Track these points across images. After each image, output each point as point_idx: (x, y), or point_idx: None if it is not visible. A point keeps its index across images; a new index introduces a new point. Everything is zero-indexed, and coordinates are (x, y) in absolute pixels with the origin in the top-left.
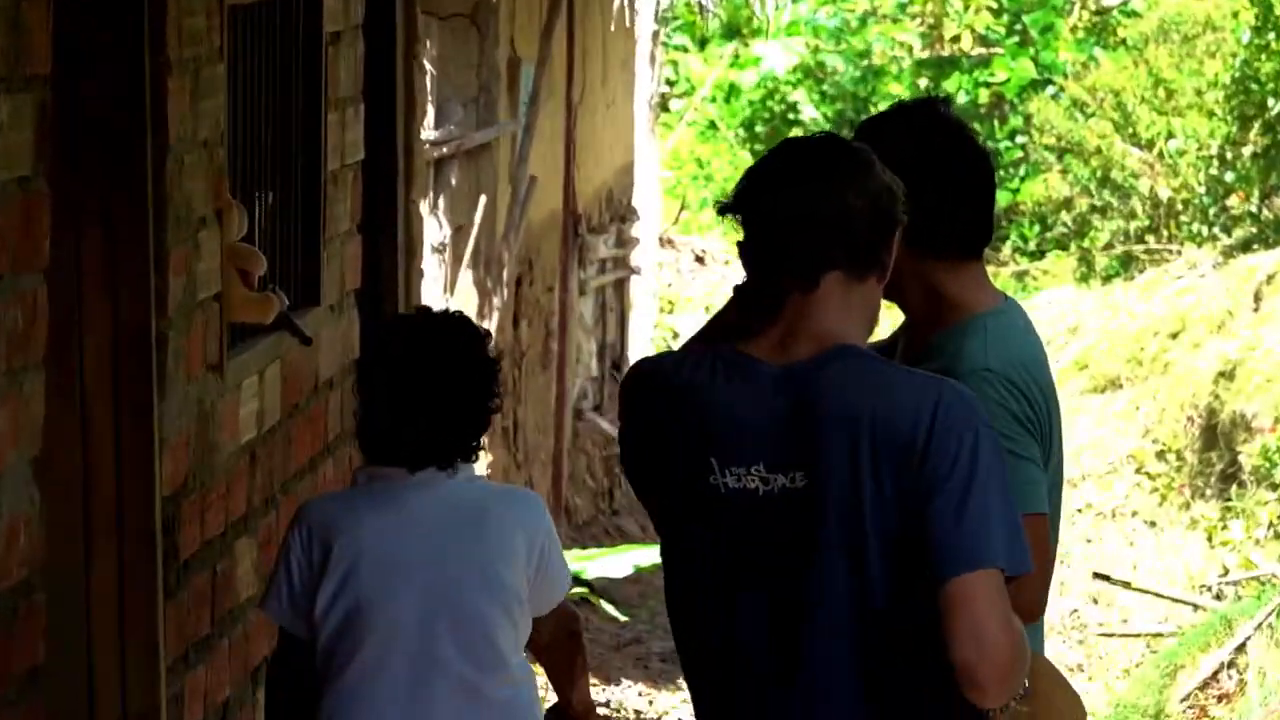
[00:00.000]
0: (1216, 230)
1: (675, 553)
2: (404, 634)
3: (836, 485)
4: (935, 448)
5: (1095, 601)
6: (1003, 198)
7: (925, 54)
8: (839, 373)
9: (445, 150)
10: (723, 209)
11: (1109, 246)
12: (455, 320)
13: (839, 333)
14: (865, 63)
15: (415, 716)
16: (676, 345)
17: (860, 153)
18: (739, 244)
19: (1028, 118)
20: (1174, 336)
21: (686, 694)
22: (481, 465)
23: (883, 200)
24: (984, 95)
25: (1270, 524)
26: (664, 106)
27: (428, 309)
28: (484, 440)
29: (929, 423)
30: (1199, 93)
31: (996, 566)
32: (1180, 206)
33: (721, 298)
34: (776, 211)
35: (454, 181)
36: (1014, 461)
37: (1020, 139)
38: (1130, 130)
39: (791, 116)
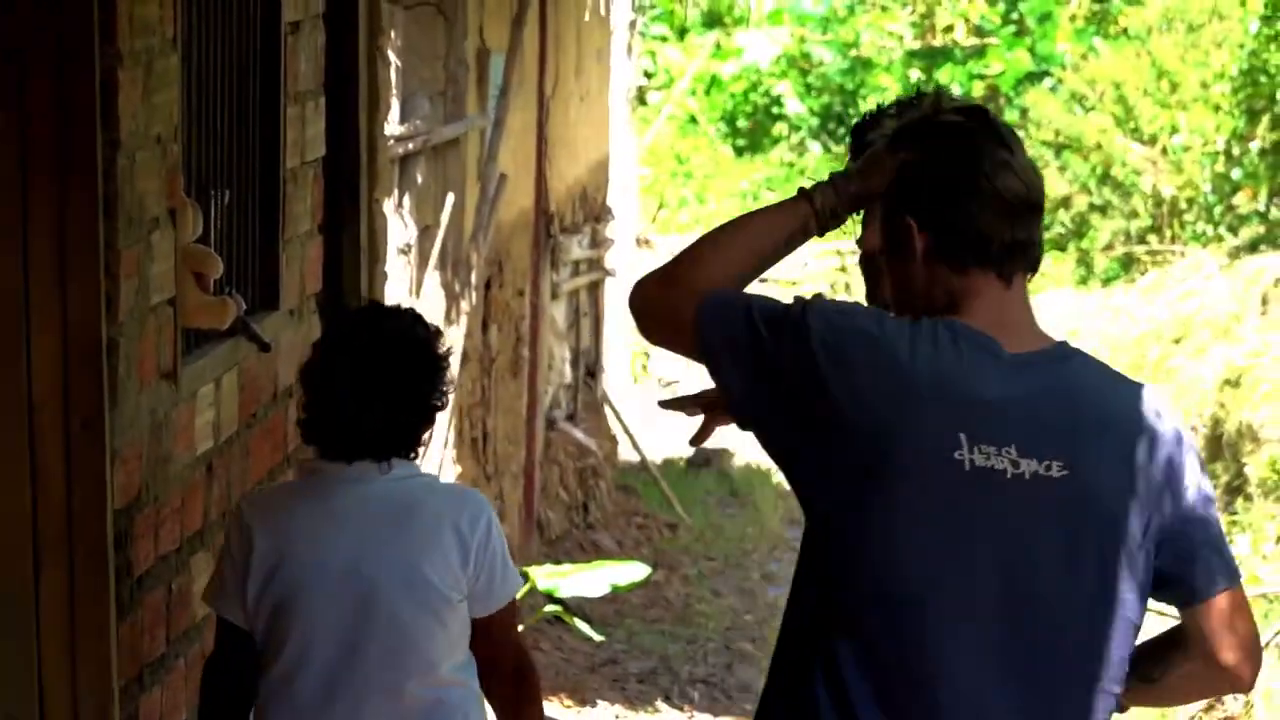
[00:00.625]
0: (1222, 230)
1: (875, 513)
2: (323, 631)
3: (1104, 480)
4: (1188, 460)
5: None
6: None
7: (917, 44)
8: (1083, 367)
9: (411, 146)
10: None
11: (1109, 247)
12: (407, 314)
13: (1042, 331)
14: (853, 54)
15: (334, 715)
16: (654, 351)
17: None
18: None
19: (1024, 111)
20: (1177, 342)
21: (664, 715)
22: (449, 476)
23: None
24: (978, 88)
25: (1278, 538)
26: (641, 99)
27: (378, 304)
28: (425, 438)
29: (1179, 433)
30: (1204, 85)
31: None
32: (1184, 205)
33: None
34: (1020, 197)
35: (420, 179)
36: None
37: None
38: (1132, 125)
39: (775, 110)
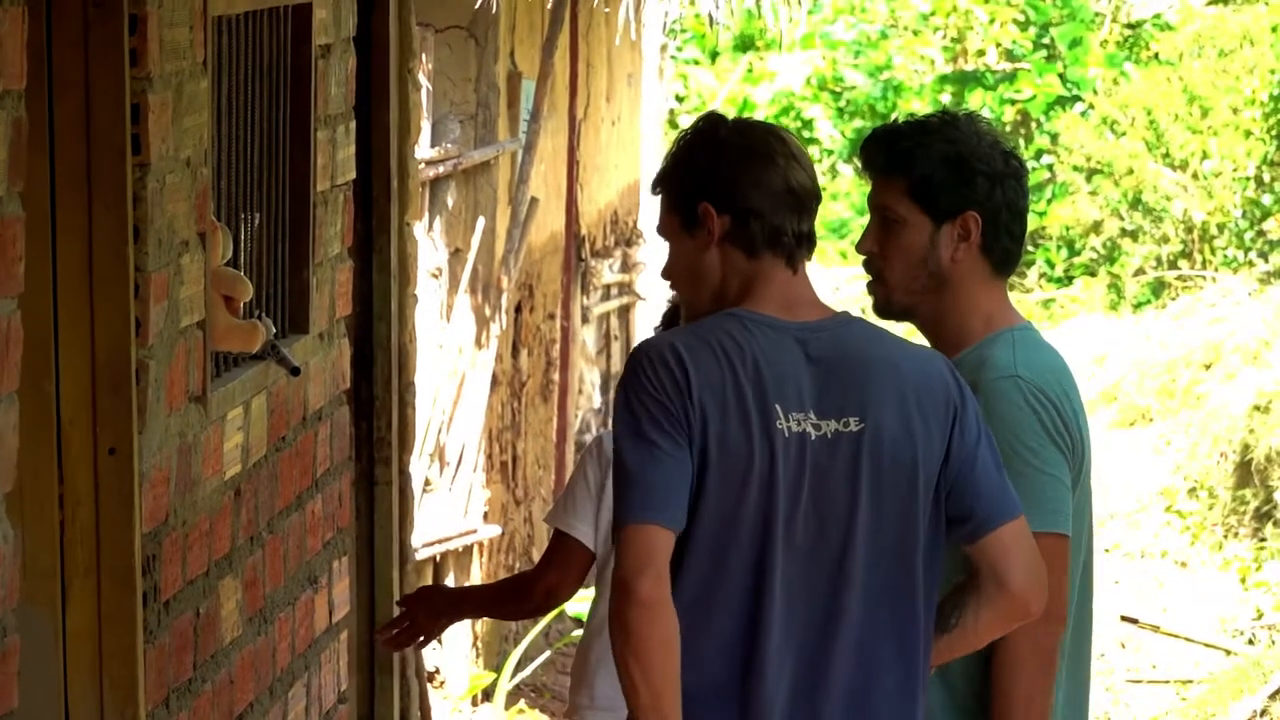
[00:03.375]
0: (1253, 255)
1: (720, 496)
2: None
3: (895, 429)
4: (967, 405)
5: (1123, 646)
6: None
7: (948, 69)
8: (863, 329)
9: (441, 170)
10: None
11: (1140, 272)
12: None
13: (824, 304)
14: (885, 77)
15: None
16: None
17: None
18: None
19: (1055, 136)
20: (1207, 368)
21: None
22: (479, 501)
23: None
24: (1009, 112)
25: None
26: (673, 123)
27: None
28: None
29: (954, 381)
30: (1235, 111)
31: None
32: (1215, 230)
33: None
34: (809, 191)
35: (450, 203)
36: (1036, 477)
37: (1047, 159)
38: (1163, 150)
39: (807, 134)
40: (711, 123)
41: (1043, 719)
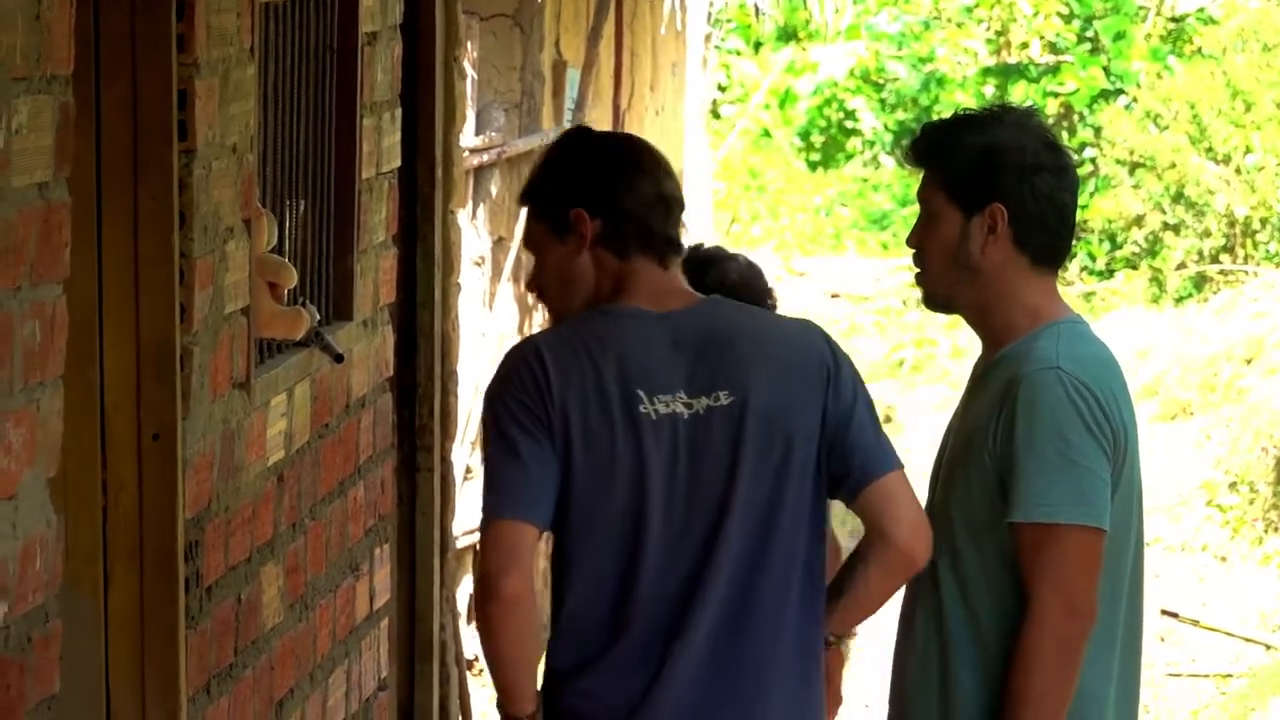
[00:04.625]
0: None
1: (590, 487)
2: None
3: (768, 397)
4: (841, 368)
5: (1162, 640)
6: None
7: (991, 61)
8: (731, 308)
9: (485, 158)
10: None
11: (1182, 266)
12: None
13: (693, 291)
14: (928, 69)
15: None
16: None
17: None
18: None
19: (1098, 129)
20: (1249, 362)
21: None
22: None
23: None
24: (1052, 105)
25: None
26: (715, 113)
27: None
28: None
29: (827, 347)
30: (1279, 105)
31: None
32: (1258, 225)
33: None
34: (676, 198)
35: (494, 191)
36: (1071, 469)
37: (1090, 152)
38: (1206, 144)
39: (850, 125)
40: (580, 135)
41: (1056, 713)
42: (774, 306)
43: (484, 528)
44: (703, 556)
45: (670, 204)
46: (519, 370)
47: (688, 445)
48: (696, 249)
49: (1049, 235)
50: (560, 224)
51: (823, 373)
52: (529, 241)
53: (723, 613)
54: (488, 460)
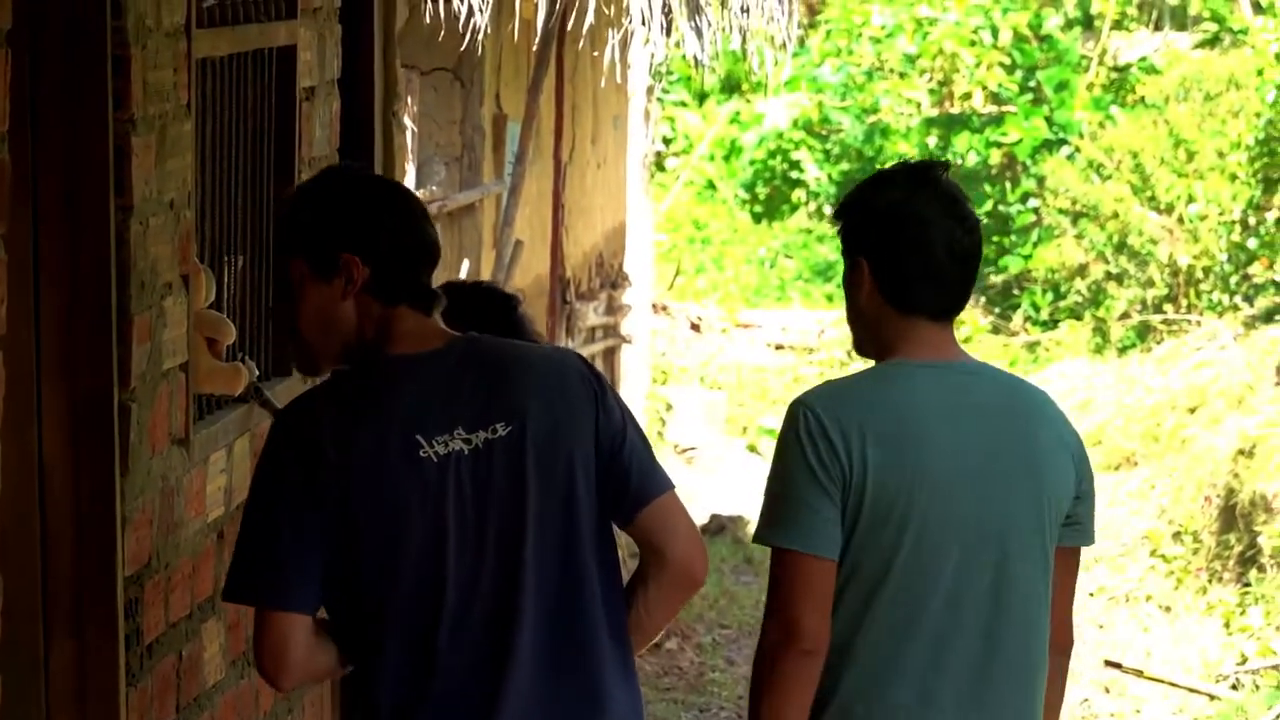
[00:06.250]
0: (1238, 300)
1: (386, 534)
2: None
3: (539, 426)
4: (606, 391)
5: (1107, 691)
6: (1014, 264)
7: (934, 111)
8: (492, 342)
9: None
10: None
11: (1125, 316)
12: (484, 290)
13: (451, 332)
14: (871, 120)
15: None
16: (670, 418)
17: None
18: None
19: (1041, 179)
20: (1192, 412)
21: None
22: None
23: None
24: (995, 155)
25: None
26: (659, 165)
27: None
28: None
29: (589, 371)
30: (1221, 154)
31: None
32: (1200, 274)
33: (716, 367)
34: (435, 244)
35: None
36: (783, 497)
37: (1033, 202)
38: (1149, 193)
39: (795, 175)
40: (344, 175)
41: None
42: (537, 336)
43: (258, 616)
44: (508, 584)
45: (432, 252)
46: (292, 439)
47: (473, 480)
48: (462, 285)
49: (907, 282)
50: (326, 266)
51: (589, 395)
52: (283, 280)
53: (544, 627)
54: (244, 538)
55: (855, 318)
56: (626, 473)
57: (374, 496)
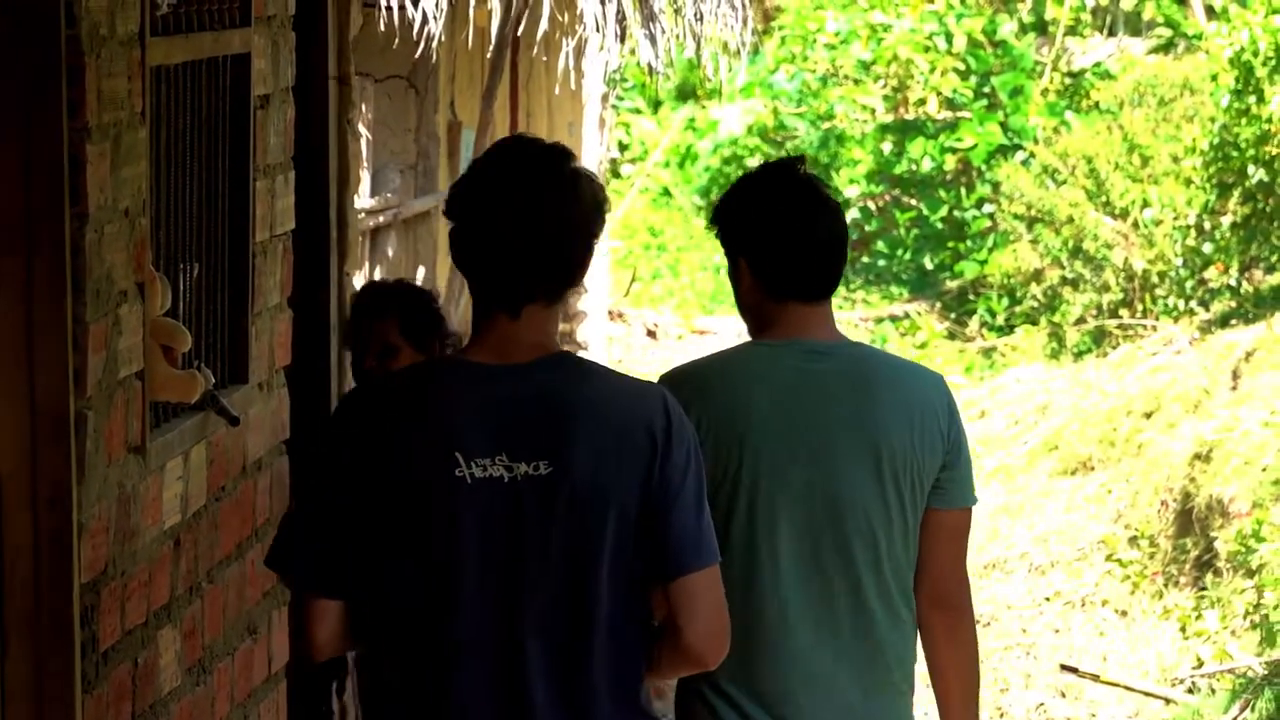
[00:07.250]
0: (1194, 304)
1: (409, 548)
2: None
3: (585, 472)
4: (673, 447)
5: (1063, 695)
6: (970, 269)
7: (889, 118)
8: (571, 371)
9: (381, 219)
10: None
11: (1081, 321)
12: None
13: (551, 343)
14: (826, 126)
15: None
16: None
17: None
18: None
19: (996, 185)
20: (1148, 416)
21: None
22: None
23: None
24: (950, 161)
25: (1246, 613)
26: (615, 172)
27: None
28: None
29: (665, 422)
30: (1176, 159)
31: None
32: (1156, 279)
33: None
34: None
35: (390, 253)
36: None
37: (988, 207)
38: (1104, 198)
39: None
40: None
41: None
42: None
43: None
44: (509, 628)
45: (538, 262)
46: (334, 429)
47: (502, 512)
48: (383, 284)
49: (778, 269)
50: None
51: (649, 449)
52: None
53: (544, 675)
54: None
55: (743, 309)
56: (665, 538)
57: (399, 503)
